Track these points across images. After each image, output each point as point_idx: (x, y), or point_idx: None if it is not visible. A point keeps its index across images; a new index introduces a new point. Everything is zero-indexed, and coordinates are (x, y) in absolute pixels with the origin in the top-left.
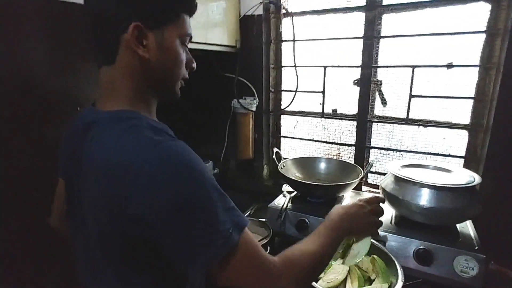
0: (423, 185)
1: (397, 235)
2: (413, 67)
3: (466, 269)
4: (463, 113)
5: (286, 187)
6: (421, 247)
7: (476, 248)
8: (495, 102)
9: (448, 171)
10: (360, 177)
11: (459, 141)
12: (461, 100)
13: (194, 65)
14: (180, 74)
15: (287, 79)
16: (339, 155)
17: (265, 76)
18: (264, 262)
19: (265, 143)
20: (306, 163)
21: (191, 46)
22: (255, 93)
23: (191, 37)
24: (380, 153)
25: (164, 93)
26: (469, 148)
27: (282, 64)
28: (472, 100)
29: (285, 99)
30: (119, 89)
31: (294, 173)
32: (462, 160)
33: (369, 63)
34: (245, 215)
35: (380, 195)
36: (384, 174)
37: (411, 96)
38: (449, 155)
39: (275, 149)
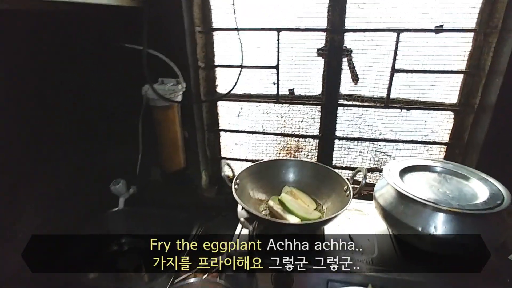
0: (439, 210)
1: (411, 272)
2: (399, 31)
3: None
4: (451, 91)
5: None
6: None
7: (508, 281)
8: (501, 77)
9: (463, 177)
10: (349, 199)
11: (443, 124)
12: (450, 75)
13: None
14: None
15: (222, 50)
16: (298, 148)
17: (190, 44)
18: None
19: (199, 141)
20: (267, 172)
21: None
22: (179, 72)
23: None
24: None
25: None
26: (454, 133)
27: (213, 26)
28: (462, 75)
29: (221, 78)
30: None
31: (254, 195)
32: (444, 147)
33: (339, 26)
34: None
35: None
36: (352, 168)
37: (394, 71)
38: (433, 142)
39: (224, 163)
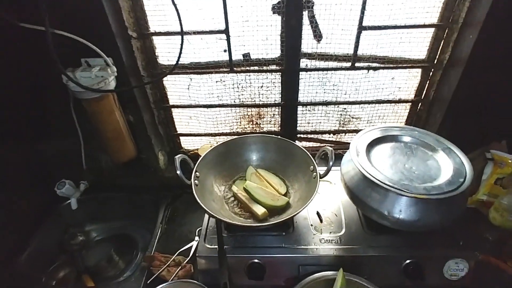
0: (404, 195)
1: (377, 246)
2: None
3: (457, 272)
4: (421, 46)
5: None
6: (410, 260)
7: (461, 243)
8: (477, 30)
9: (428, 147)
10: (316, 181)
11: (410, 81)
12: (421, 29)
13: None
14: None
15: (155, 13)
16: (260, 115)
17: (112, 9)
18: None
19: (148, 122)
20: (227, 155)
21: None
22: (101, 52)
23: None
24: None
25: None
26: (420, 90)
27: None
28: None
29: (162, 46)
30: None
31: (218, 187)
32: (409, 105)
33: None
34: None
35: None
36: (317, 132)
37: (361, 28)
38: (399, 101)
39: (179, 158)
